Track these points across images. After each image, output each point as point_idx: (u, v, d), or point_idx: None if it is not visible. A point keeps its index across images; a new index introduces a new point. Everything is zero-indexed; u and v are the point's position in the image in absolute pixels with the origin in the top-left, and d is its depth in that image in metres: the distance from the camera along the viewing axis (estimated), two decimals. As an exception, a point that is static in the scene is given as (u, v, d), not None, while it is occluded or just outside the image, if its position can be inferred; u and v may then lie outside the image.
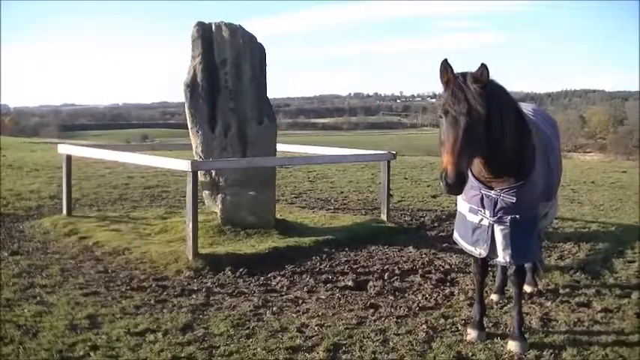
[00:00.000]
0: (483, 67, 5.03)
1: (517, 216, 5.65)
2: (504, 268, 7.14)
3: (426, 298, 7.44)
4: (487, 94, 5.03)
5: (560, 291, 7.69)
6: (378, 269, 8.69)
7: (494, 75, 5.20)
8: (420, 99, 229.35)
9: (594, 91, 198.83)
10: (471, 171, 5.63)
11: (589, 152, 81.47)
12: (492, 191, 5.64)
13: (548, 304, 7.20)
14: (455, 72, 5.12)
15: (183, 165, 9.14)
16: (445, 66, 5.12)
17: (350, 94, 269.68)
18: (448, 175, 4.80)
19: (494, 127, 5.13)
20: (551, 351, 5.81)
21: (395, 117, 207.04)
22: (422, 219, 12.45)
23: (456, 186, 4.84)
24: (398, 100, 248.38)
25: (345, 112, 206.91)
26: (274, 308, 6.99)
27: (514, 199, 5.57)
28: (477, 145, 5.04)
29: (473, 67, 5.12)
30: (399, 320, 6.65)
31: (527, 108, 6.51)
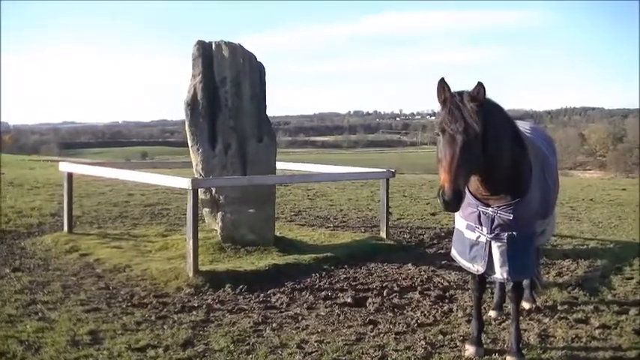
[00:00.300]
0: (480, 86, 5.11)
1: (514, 233, 5.71)
2: (503, 285, 7.19)
3: (425, 315, 7.48)
4: (483, 112, 5.11)
5: (559, 307, 7.75)
6: (377, 286, 8.73)
7: (493, 92, 5.29)
8: (419, 117, 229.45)
9: (593, 108, 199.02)
10: (469, 188, 5.71)
11: (589, 170, 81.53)
12: (489, 208, 5.70)
13: (546, 320, 7.25)
14: (452, 91, 5.21)
15: (183, 183, 9.21)
16: (442, 85, 5.21)
17: (349, 111, 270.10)
18: (445, 193, 4.87)
19: (490, 145, 5.20)
20: (548, 367, 5.86)
21: (395, 135, 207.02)
22: (421, 236, 12.51)
23: (454, 203, 4.91)
24: (398, 118, 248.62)
25: (344, 130, 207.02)
26: (274, 325, 7.04)
27: (511, 216, 5.63)
28: (474, 163, 5.10)
29: (471, 84, 5.21)
30: (398, 336, 6.70)
31: (524, 126, 6.59)
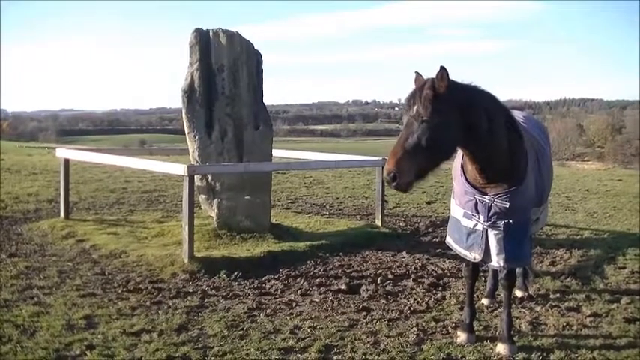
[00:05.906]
0: (442, 70, 5.12)
1: (510, 221, 5.75)
2: (495, 273, 7.23)
3: (418, 302, 7.54)
4: (453, 99, 5.12)
5: (551, 296, 7.81)
6: (371, 273, 8.79)
7: (492, 82, 5.34)
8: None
9: (592, 99, 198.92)
10: (466, 177, 5.78)
11: (587, 161, 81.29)
12: (486, 197, 5.74)
13: (538, 308, 7.31)
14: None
15: (179, 169, 9.24)
16: (416, 76, 5.34)
17: (348, 101, 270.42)
18: (383, 172, 4.99)
19: (483, 133, 5.26)
20: (539, 354, 5.91)
21: (393, 124, 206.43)
22: (416, 225, 12.55)
23: (390, 182, 5.00)
24: (396, 108, 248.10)
25: (343, 119, 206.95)
26: (268, 310, 7.10)
27: (507, 205, 5.67)
28: (430, 149, 5.08)
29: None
30: (391, 323, 6.75)
31: (518, 115, 6.59)
